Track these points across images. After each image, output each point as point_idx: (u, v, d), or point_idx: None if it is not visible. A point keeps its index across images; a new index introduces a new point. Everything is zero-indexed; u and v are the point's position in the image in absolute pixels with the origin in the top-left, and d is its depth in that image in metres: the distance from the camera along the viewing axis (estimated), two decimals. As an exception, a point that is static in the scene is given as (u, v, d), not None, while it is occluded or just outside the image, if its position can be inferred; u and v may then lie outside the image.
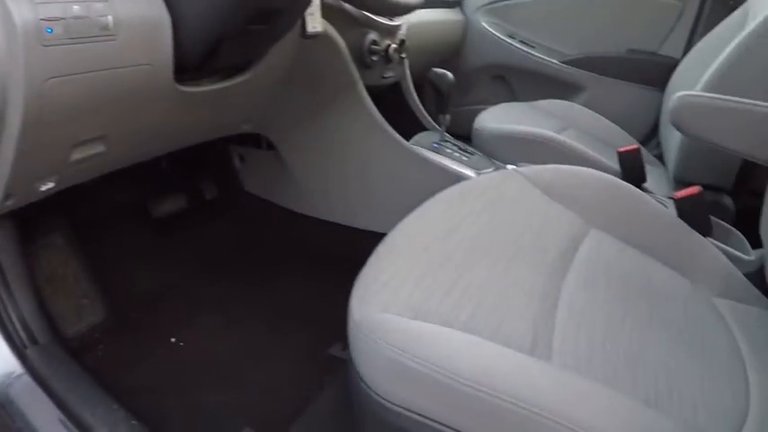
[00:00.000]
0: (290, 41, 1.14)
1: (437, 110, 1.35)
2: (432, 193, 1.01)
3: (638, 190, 1.04)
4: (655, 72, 2.13)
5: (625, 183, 1.05)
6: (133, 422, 0.92)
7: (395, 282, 0.68)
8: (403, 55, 1.42)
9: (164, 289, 1.36)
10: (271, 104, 1.29)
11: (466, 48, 2.30)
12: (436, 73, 1.29)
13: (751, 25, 1.38)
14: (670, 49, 2.20)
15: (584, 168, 1.06)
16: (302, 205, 1.48)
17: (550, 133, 1.44)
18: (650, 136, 2.18)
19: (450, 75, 1.29)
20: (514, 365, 0.59)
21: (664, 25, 2.20)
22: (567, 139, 1.43)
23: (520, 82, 2.33)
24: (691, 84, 1.64)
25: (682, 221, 1.01)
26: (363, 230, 1.42)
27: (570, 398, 0.55)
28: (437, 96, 1.35)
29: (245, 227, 1.60)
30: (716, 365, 0.73)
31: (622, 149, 1.31)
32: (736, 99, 1.04)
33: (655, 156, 1.88)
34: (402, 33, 1.50)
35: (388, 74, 1.43)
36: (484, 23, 2.28)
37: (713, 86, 1.31)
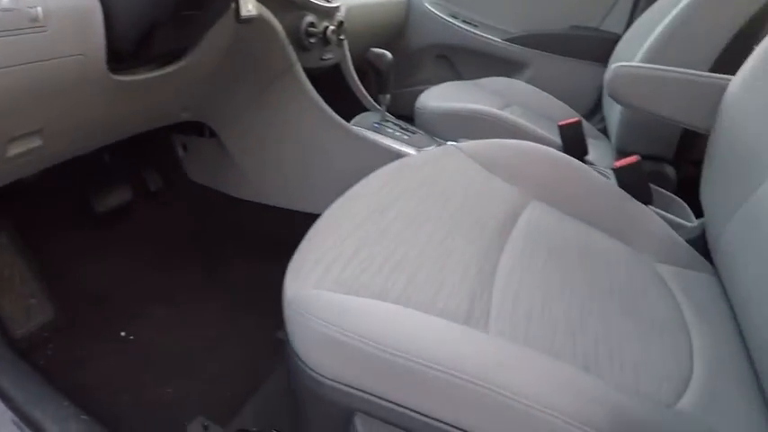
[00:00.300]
0: (225, 26, 1.11)
1: (377, 90, 1.33)
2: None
3: (578, 162, 1.03)
4: (597, 47, 2.15)
5: (566, 155, 1.04)
6: (83, 417, 0.91)
7: (327, 258, 0.67)
8: (341, 37, 1.40)
9: (112, 284, 1.32)
10: (209, 91, 1.26)
11: (409, 28, 2.27)
12: (375, 53, 1.26)
13: None
14: (612, 24, 2.23)
15: (525, 142, 1.05)
16: (246, 191, 1.45)
17: (492, 109, 1.43)
18: (594, 110, 2.20)
19: (388, 54, 1.27)
20: (442, 333, 0.58)
21: (606, 1, 2.23)
22: (509, 114, 1.42)
23: (463, 61, 2.32)
24: (631, 57, 1.67)
25: (622, 191, 1.01)
26: (309, 213, 1.39)
27: (499, 363, 0.54)
28: (376, 77, 1.33)
29: (191, 217, 1.56)
30: (659, 331, 0.73)
31: (563, 123, 1.31)
32: (667, 68, 1.05)
33: (599, 130, 1.90)
34: (340, 15, 1.47)
35: (327, 56, 1.40)
36: (426, 4, 2.26)
37: (652, 58, 1.33)
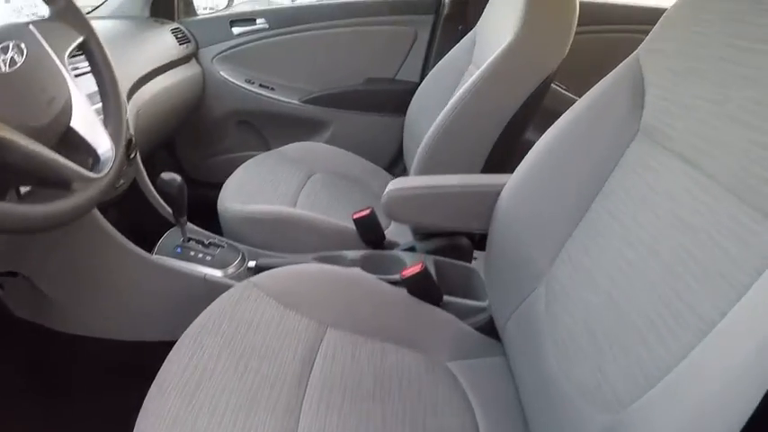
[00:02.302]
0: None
1: (174, 215, 1.32)
2: (184, 297, 1.15)
3: (368, 277, 1.11)
4: (395, 99, 2.25)
5: (354, 272, 1.11)
6: None
7: None
8: (132, 155, 1.38)
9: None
10: (8, 240, 1.21)
11: (207, 98, 2.25)
12: (164, 179, 1.25)
13: (479, 57, 1.57)
14: (407, 74, 2.34)
15: (314, 266, 1.11)
16: (67, 325, 1.40)
17: (287, 210, 1.45)
18: (396, 160, 2.33)
19: (178, 178, 1.26)
20: None
21: (399, 52, 2.33)
22: (302, 212, 1.45)
23: (265, 125, 2.34)
24: (429, 107, 1.80)
25: (412, 298, 1.09)
26: (135, 342, 1.38)
27: None
28: (169, 202, 1.32)
29: (24, 354, 1.48)
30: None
31: (357, 216, 1.37)
32: (440, 183, 1.14)
33: (402, 181, 2.00)
34: (128, 132, 1.43)
35: (121, 182, 1.37)
36: (221, 72, 2.24)
37: (447, 127, 1.43)
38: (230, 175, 1.73)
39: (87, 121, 0.86)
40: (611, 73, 0.92)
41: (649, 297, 0.68)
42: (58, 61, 0.86)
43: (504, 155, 1.46)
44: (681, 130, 0.74)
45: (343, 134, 2.30)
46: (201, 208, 1.62)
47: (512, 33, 1.37)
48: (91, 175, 0.79)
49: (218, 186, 1.65)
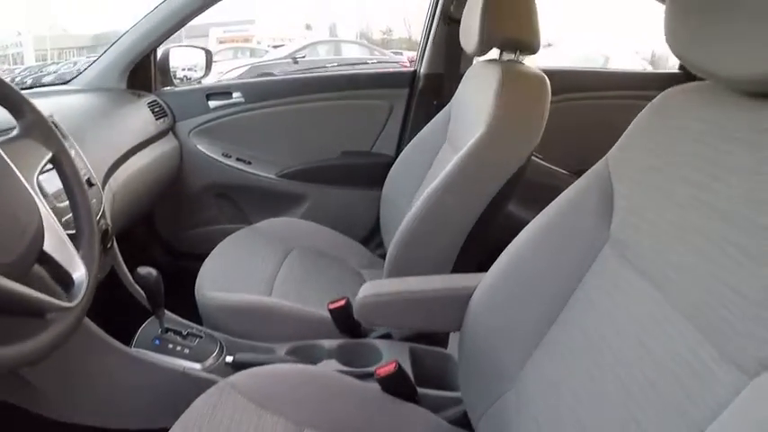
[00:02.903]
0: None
1: (152, 307, 1.33)
2: (164, 389, 1.17)
3: (340, 377, 1.12)
4: (371, 172, 2.28)
5: (328, 372, 1.13)
6: None
7: None
8: (109, 245, 1.38)
9: None
10: None
11: (185, 171, 2.25)
12: (140, 274, 1.26)
13: (454, 136, 1.63)
14: (383, 147, 2.38)
15: (289, 367, 1.12)
16: (51, 411, 1.38)
17: (263, 300, 1.46)
18: (373, 234, 2.35)
19: (154, 272, 1.27)
20: None
21: (375, 125, 2.37)
22: (278, 301, 1.46)
23: (243, 199, 2.35)
24: (405, 185, 1.86)
25: (386, 395, 1.10)
26: (118, 429, 1.36)
27: None
28: (147, 296, 1.33)
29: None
30: None
31: (332, 306, 1.38)
32: (411, 288, 1.16)
33: (378, 255, 2.01)
34: (104, 223, 1.44)
35: (100, 274, 1.38)
36: (198, 146, 2.26)
37: (423, 216, 1.43)
38: (210, 247, 1.74)
39: (59, 244, 0.85)
40: (581, 177, 0.94)
41: (609, 421, 0.69)
42: (27, 185, 0.84)
43: (479, 245, 1.48)
44: (647, 249, 0.76)
45: (320, 207, 2.32)
46: (182, 280, 1.62)
47: (484, 124, 1.40)
48: (65, 304, 0.79)
49: (198, 257, 1.66)
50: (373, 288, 1.15)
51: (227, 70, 10.33)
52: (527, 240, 0.99)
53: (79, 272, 0.86)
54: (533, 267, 0.96)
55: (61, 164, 0.98)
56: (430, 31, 2.29)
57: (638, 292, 0.75)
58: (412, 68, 2.40)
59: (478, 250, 1.50)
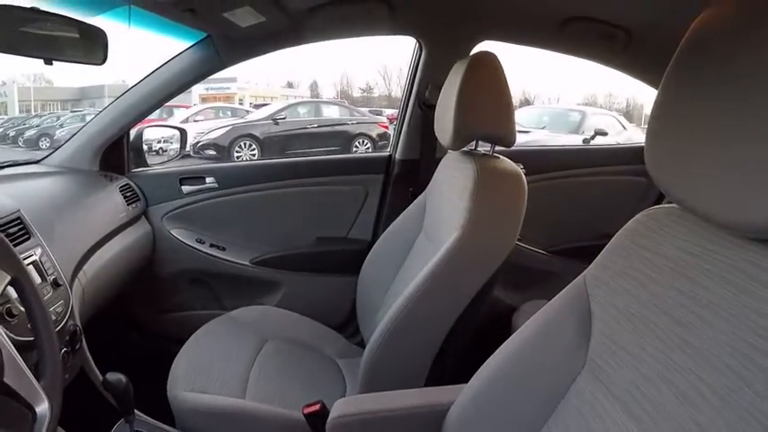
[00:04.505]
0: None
1: (122, 412, 1.27)
2: None
3: None
4: (347, 259, 2.26)
5: None
6: None
7: None
8: (78, 346, 1.34)
9: None
10: None
11: (158, 256, 2.22)
12: (109, 380, 1.21)
13: (430, 227, 1.64)
14: (359, 232, 2.38)
15: None
16: None
17: (236, 403, 1.42)
18: (348, 322, 2.31)
19: (123, 379, 1.22)
20: None
21: (350, 210, 2.37)
22: (251, 404, 1.42)
23: (218, 284, 2.31)
24: (381, 275, 1.84)
25: None
26: None
27: None
28: (117, 401, 1.28)
29: None
30: None
31: (307, 411, 1.34)
32: (389, 407, 1.12)
33: (355, 343, 1.97)
34: (73, 324, 1.40)
35: (69, 375, 1.33)
36: (171, 231, 2.23)
37: (401, 318, 1.39)
38: (184, 332, 1.70)
39: (21, 376, 0.83)
40: (559, 295, 0.92)
41: None
42: None
43: (459, 340, 1.46)
44: (624, 378, 0.75)
45: (295, 295, 2.29)
46: (157, 364, 1.58)
47: (460, 228, 1.38)
48: None
49: (173, 341, 1.63)
50: (346, 406, 1.13)
51: (208, 129, 10.46)
52: (505, 358, 0.97)
53: (42, 406, 0.83)
54: (509, 389, 0.94)
55: (22, 286, 0.96)
56: (404, 116, 2.32)
57: (614, 422, 0.73)
58: (387, 153, 2.41)
59: (458, 346, 1.48)
